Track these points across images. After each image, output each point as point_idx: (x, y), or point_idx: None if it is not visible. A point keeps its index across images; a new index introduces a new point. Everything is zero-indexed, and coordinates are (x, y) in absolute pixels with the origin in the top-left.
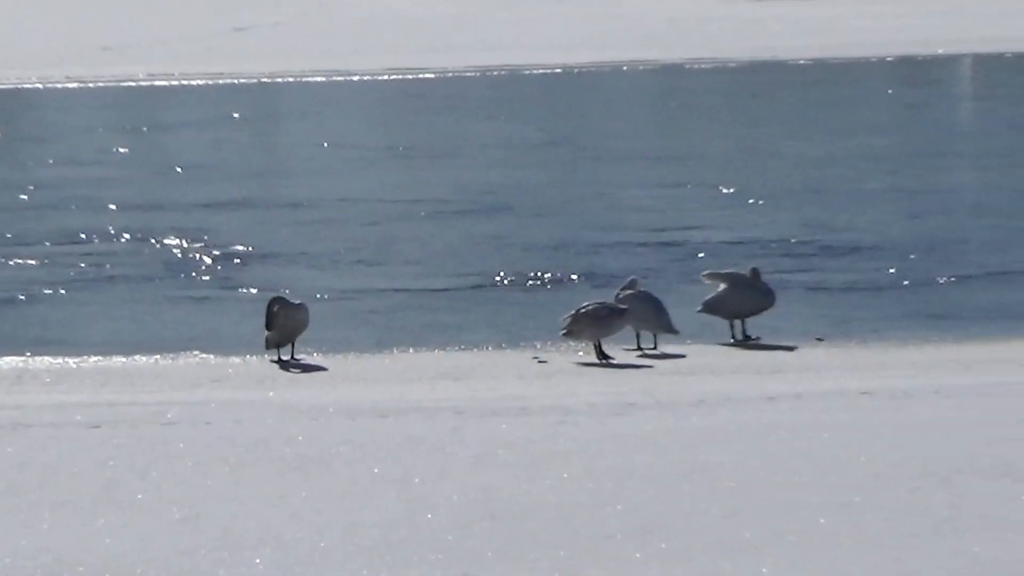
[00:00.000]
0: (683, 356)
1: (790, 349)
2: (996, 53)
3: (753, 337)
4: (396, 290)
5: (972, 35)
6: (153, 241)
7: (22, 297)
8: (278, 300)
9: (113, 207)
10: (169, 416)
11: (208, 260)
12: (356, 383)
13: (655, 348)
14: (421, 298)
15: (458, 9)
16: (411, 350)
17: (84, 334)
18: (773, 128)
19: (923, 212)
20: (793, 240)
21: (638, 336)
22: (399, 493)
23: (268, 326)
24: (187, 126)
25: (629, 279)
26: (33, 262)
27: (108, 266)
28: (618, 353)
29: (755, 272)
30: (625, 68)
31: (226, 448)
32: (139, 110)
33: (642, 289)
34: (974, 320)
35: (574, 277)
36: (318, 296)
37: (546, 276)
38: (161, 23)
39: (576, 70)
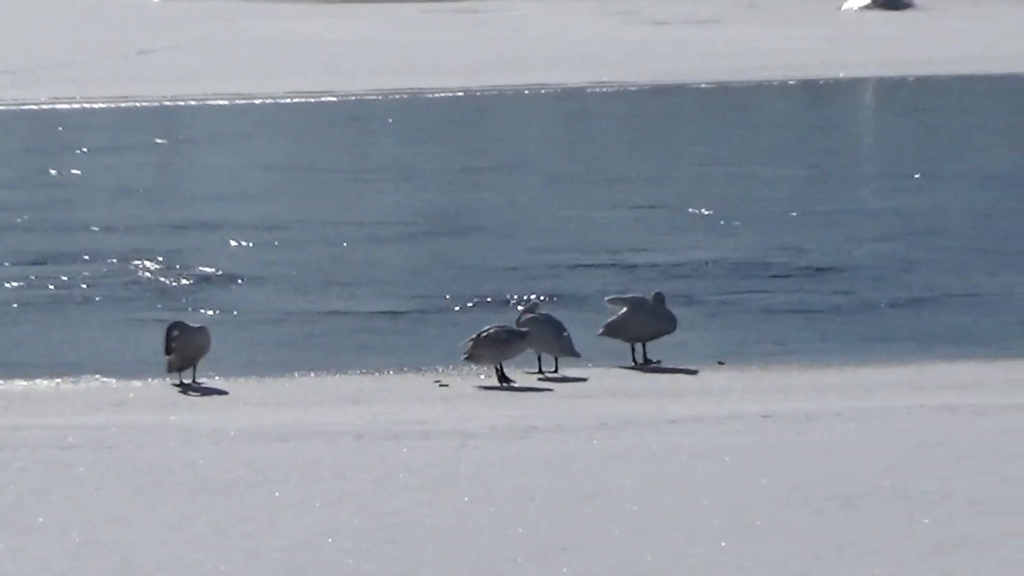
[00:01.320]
0: (584, 379)
1: (692, 372)
2: (898, 76)
3: (654, 361)
4: (301, 313)
5: (872, 59)
6: (59, 265)
7: None
8: (177, 324)
9: (23, 230)
10: (70, 440)
11: (113, 284)
12: (258, 407)
13: (556, 371)
14: (326, 321)
15: (360, 33)
16: (313, 374)
17: None
18: (685, 150)
19: (834, 235)
20: (700, 263)
21: (539, 359)
22: (300, 517)
23: (167, 350)
24: (98, 150)
25: (530, 302)
26: None
27: (11, 289)
28: (519, 376)
29: (658, 297)
30: (527, 92)
31: (127, 472)
32: (43, 134)
33: (542, 312)
34: (876, 343)
35: (483, 300)
36: (222, 318)
37: (456, 299)
38: (63, 46)
39: (479, 93)
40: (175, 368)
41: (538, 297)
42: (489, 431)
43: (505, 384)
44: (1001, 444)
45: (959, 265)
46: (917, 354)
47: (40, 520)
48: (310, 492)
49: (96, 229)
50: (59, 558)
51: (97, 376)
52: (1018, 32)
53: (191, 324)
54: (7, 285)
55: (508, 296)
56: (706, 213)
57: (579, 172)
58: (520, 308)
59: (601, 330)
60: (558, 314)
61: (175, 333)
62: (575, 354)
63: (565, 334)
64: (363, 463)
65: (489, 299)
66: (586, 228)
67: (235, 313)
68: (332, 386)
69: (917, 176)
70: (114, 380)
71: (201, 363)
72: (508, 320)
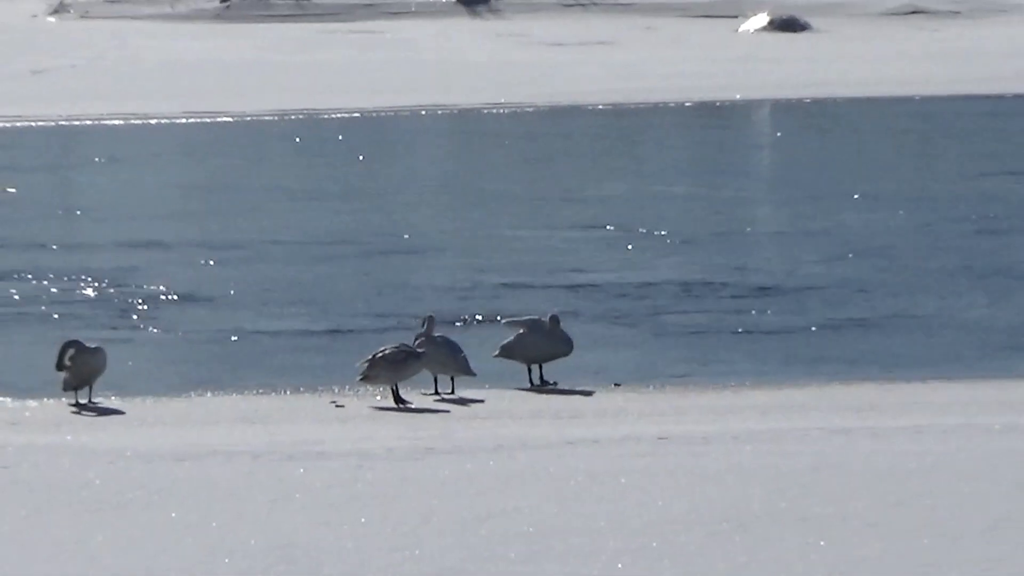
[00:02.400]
0: (481, 401)
1: (588, 394)
2: (795, 98)
3: (550, 382)
4: (199, 332)
5: (769, 81)
6: None
7: None
8: (73, 343)
9: None
10: None
11: (10, 302)
12: (154, 426)
13: (452, 392)
14: (224, 340)
15: (255, 54)
16: (210, 393)
17: None
18: (588, 169)
19: (742, 255)
20: (602, 283)
21: (435, 380)
22: (197, 538)
23: (58, 367)
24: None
25: (426, 316)
26: None
27: None
28: (416, 397)
29: (555, 319)
30: (424, 112)
31: (22, 492)
32: None
33: (438, 334)
34: (774, 365)
35: (391, 319)
36: (120, 336)
37: (362, 318)
38: None
39: (375, 114)
40: (70, 387)
41: (431, 319)
42: (385, 452)
43: (401, 405)
44: (896, 466)
45: (864, 286)
46: (814, 376)
47: None
48: (206, 512)
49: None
50: None
51: None
52: (912, 54)
53: (87, 344)
54: None
55: (415, 315)
56: (614, 232)
57: (489, 191)
58: (417, 322)
59: (496, 351)
60: (458, 334)
61: (70, 352)
62: (471, 373)
63: (461, 355)
64: (260, 483)
65: (396, 319)
66: (499, 247)
67: (133, 331)
68: (229, 406)
69: (825, 196)
70: (9, 399)
71: (98, 382)
72: (407, 339)
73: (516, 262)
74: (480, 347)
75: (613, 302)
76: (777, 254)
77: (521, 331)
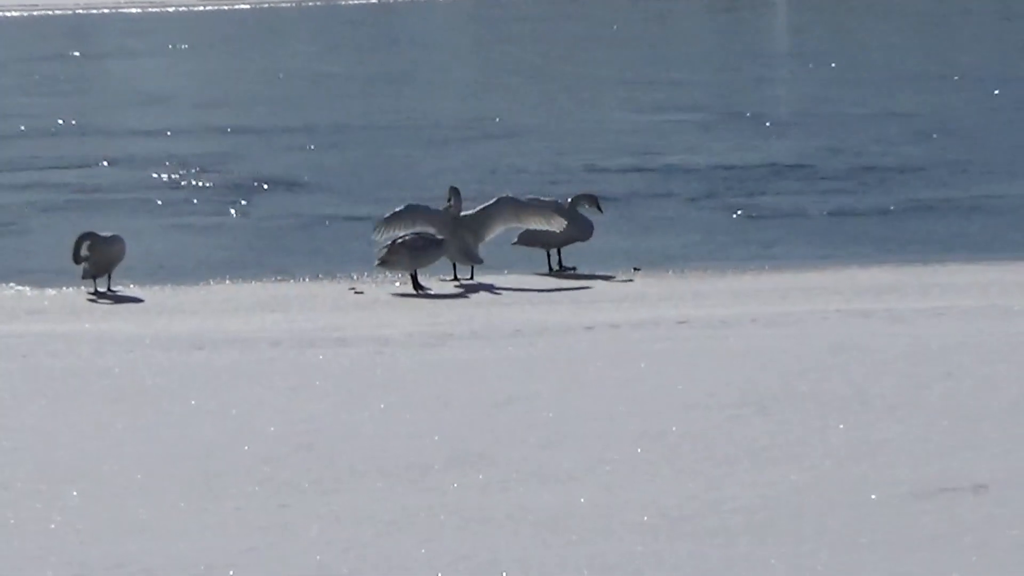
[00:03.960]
0: (500, 287)
1: (607, 279)
2: None
3: (570, 267)
4: (216, 219)
5: None
6: None
7: None
8: (88, 235)
9: None
10: None
11: (33, 191)
12: (173, 315)
13: (471, 278)
14: (245, 229)
15: None
16: (228, 281)
17: None
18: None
19: (793, 138)
20: (626, 167)
21: (454, 266)
22: (216, 424)
23: (75, 260)
24: (20, 61)
25: (451, 188)
26: None
27: None
28: (434, 284)
29: (574, 201)
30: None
31: (42, 380)
32: None
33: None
34: (793, 249)
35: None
36: (138, 225)
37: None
38: None
39: (392, 0)
40: (90, 276)
41: (456, 191)
42: (404, 338)
43: (420, 291)
44: (916, 349)
45: (899, 168)
46: (833, 259)
47: None
48: (226, 399)
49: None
50: None
51: (11, 284)
52: None
53: (103, 234)
54: None
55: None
56: (679, 115)
57: (549, 74)
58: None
59: (515, 239)
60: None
61: (86, 243)
62: (477, 260)
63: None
64: (279, 370)
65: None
66: (558, 129)
67: (151, 219)
68: (247, 293)
69: (876, 80)
70: (28, 289)
71: (116, 271)
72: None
73: (579, 145)
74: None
75: (645, 184)
76: (821, 137)
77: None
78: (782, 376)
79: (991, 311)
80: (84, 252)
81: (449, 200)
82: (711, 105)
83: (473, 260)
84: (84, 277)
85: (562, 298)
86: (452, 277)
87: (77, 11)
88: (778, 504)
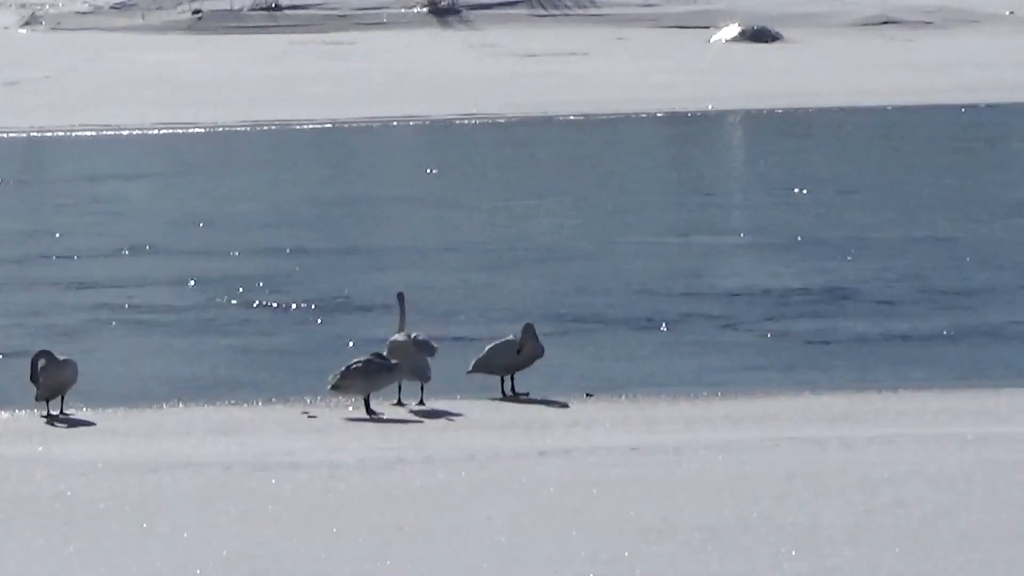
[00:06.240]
0: (453, 412)
1: (560, 405)
2: (767, 109)
3: (523, 393)
4: (168, 343)
5: (740, 92)
6: None
7: None
8: (44, 354)
9: None
10: None
11: None
12: (126, 437)
13: (422, 403)
14: (196, 351)
15: (226, 66)
16: (180, 404)
17: None
18: (555, 181)
19: (719, 262)
20: (570, 296)
21: (399, 388)
22: (168, 549)
23: (32, 379)
24: None
25: (398, 293)
26: None
27: None
28: (388, 408)
29: (526, 329)
30: (395, 124)
31: None
32: None
33: (418, 336)
34: (743, 375)
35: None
36: (92, 347)
37: (328, 332)
38: None
39: (347, 125)
40: (42, 398)
41: (401, 296)
42: (357, 463)
43: (372, 416)
44: (868, 476)
45: (840, 294)
46: (786, 386)
47: None
48: (178, 523)
49: None
50: None
51: None
52: (884, 64)
53: (58, 356)
54: None
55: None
56: (540, 255)
57: (476, 203)
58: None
59: (470, 367)
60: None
61: (41, 363)
62: (426, 378)
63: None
64: (231, 494)
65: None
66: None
67: (102, 343)
68: (200, 417)
69: (802, 202)
70: None
71: (69, 394)
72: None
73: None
74: (452, 357)
75: (589, 309)
76: (756, 262)
77: (491, 345)
78: (735, 504)
79: (944, 439)
80: (39, 371)
81: (400, 303)
82: (659, 224)
83: (421, 377)
84: (37, 399)
85: (515, 423)
86: (396, 401)
87: (32, 133)
88: None
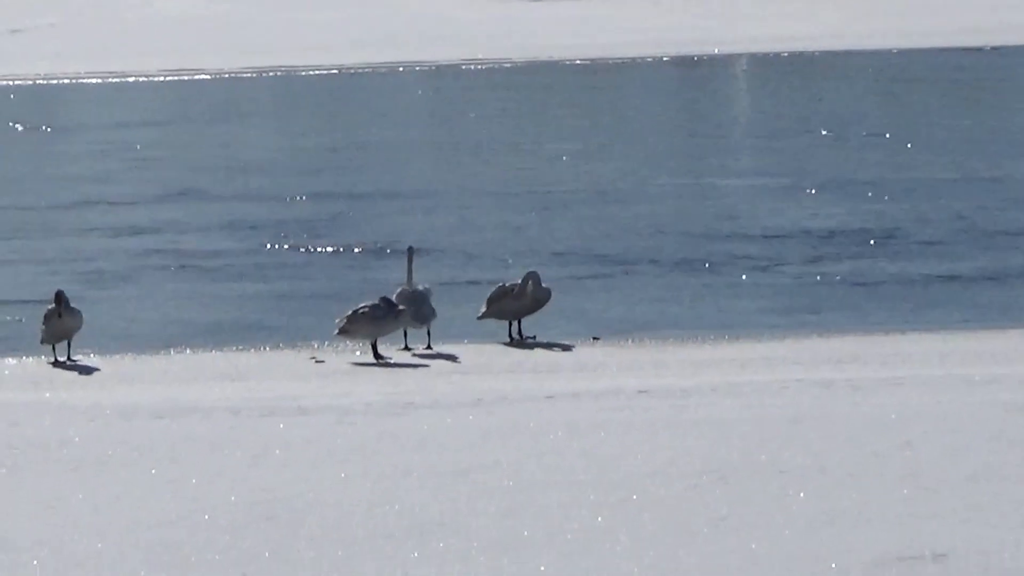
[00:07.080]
0: (460, 356)
1: (567, 348)
2: (773, 53)
3: (530, 336)
4: (177, 288)
5: (746, 35)
6: None
7: None
8: (58, 296)
9: None
10: None
11: None
12: (133, 384)
13: (429, 347)
14: (203, 296)
15: (231, 12)
16: (188, 350)
17: None
18: (568, 126)
19: (715, 212)
20: (581, 240)
21: (405, 334)
22: (176, 494)
23: (56, 304)
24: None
25: (408, 247)
26: None
27: None
28: (395, 353)
29: (530, 276)
30: (401, 69)
31: (2, 450)
32: None
33: (419, 286)
34: (754, 317)
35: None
36: (101, 294)
37: (338, 279)
38: None
39: (352, 71)
40: (47, 342)
41: (411, 250)
42: (365, 407)
43: (380, 360)
44: (875, 418)
45: (858, 237)
46: (793, 329)
47: None
48: (186, 469)
49: None
50: None
51: None
52: (890, 8)
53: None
54: None
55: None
56: (596, 191)
57: (504, 146)
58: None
59: (480, 313)
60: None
61: (50, 307)
62: (423, 323)
63: (425, 302)
64: (239, 439)
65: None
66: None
67: (111, 289)
68: (208, 362)
69: (824, 144)
70: None
71: (76, 339)
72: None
73: (498, 218)
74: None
75: (610, 252)
76: (772, 205)
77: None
78: (742, 446)
79: (951, 380)
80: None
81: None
82: (671, 166)
83: (421, 322)
84: (43, 343)
85: (522, 367)
86: (403, 346)
87: (38, 81)
88: (739, 573)
